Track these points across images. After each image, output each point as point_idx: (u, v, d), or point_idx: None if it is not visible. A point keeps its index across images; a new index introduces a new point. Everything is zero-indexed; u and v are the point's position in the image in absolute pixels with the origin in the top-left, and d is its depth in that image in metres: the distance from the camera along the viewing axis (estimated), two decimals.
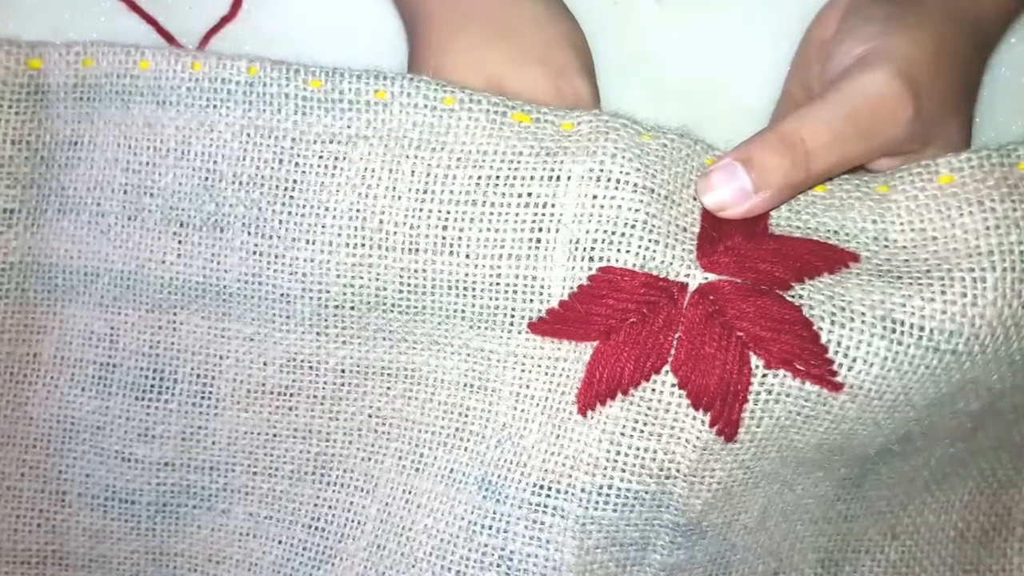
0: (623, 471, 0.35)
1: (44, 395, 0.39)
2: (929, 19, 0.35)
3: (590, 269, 0.34)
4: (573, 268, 0.34)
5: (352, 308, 0.36)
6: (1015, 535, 0.42)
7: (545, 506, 0.35)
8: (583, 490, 0.35)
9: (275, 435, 0.38)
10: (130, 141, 0.37)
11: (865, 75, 0.33)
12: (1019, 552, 0.42)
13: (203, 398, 0.38)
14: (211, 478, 0.39)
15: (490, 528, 0.36)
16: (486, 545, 0.36)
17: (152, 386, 0.38)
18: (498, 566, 0.36)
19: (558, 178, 0.34)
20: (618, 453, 0.35)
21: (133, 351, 0.38)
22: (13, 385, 0.39)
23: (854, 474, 0.39)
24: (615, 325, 0.34)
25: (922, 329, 0.33)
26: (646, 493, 0.35)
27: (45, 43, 0.37)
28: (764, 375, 0.33)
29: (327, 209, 0.35)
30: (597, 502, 0.35)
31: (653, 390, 0.34)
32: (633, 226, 0.34)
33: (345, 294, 0.36)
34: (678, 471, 0.35)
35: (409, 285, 0.35)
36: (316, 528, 0.39)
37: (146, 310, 0.38)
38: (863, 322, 0.33)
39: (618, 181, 0.34)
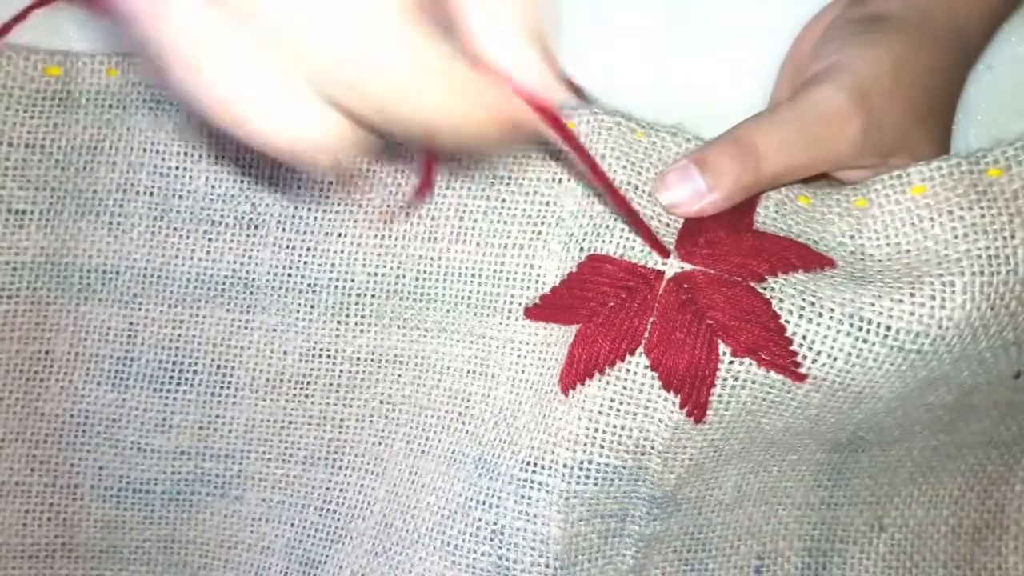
0: (601, 447, 0.37)
1: (57, 391, 0.40)
2: (891, 35, 0.36)
3: (580, 258, 0.38)
4: (566, 258, 0.38)
5: (373, 296, 0.40)
6: (1009, 533, 0.43)
7: (532, 481, 0.37)
8: (565, 465, 0.37)
9: (290, 422, 0.41)
10: (158, 147, 0.39)
11: (815, 88, 0.36)
12: (1014, 551, 0.43)
13: (222, 388, 0.40)
14: (226, 465, 0.41)
15: (484, 504, 0.38)
16: (480, 519, 0.38)
17: (171, 378, 0.40)
18: (491, 540, 0.38)
19: (560, 180, 0.38)
20: (596, 430, 0.37)
21: (152, 345, 0.40)
22: (23, 383, 0.40)
23: (832, 460, 0.41)
24: (596, 308, 0.37)
25: (888, 328, 0.34)
26: (624, 468, 0.37)
27: (66, 52, 0.39)
28: (731, 362, 0.35)
29: (360, 206, 0.39)
30: (578, 476, 0.37)
31: (627, 370, 0.36)
32: (617, 219, 0.37)
33: (368, 282, 0.39)
34: (652, 448, 0.37)
35: (425, 272, 0.39)
36: (328, 510, 0.41)
37: (168, 305, 0.40)
38: (831, 318, 0.34)
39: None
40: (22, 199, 0.39)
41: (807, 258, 0.36)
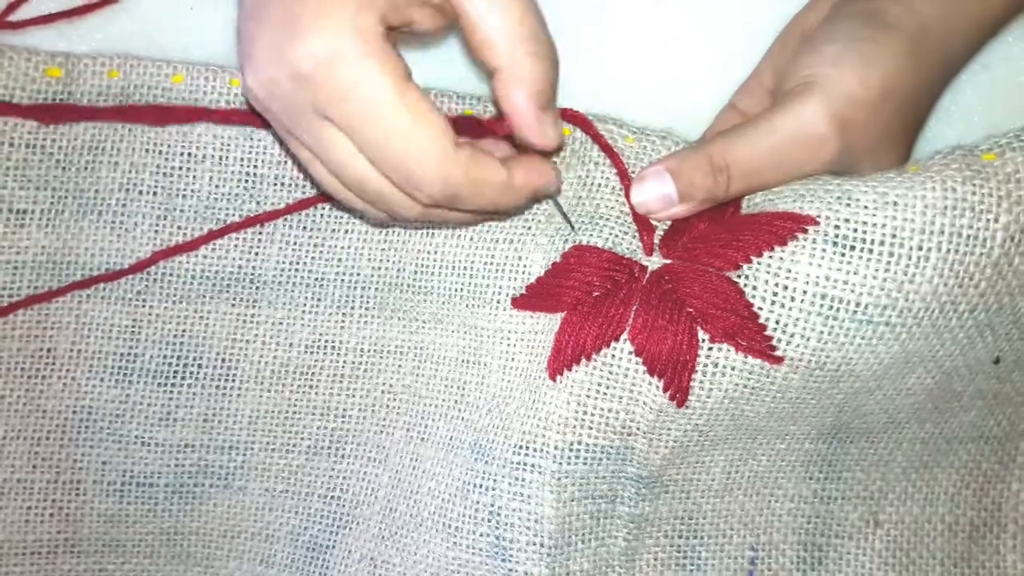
0: (590, 429, 0.38)
1: (59, 388, 0.40)
2: (888, 53, 0.36)
3: (564, 247, 0.40)
4: (551, 249, 0.40)
5: (376, 289, 0.41)
6: (1007, 532, 0.43)
7: (525, 464, 0.39)
8: (556, 447, 0.38)
9: (295, 413, 0.42)
10: (161, 147, 0.40)
11: (796, 108, 0.35)
12: (1012, 549, 0.43)
13: (226, 380, 0.41)
14: (229, 457, 0.42)
15: (481, 487, 0.40)
16: (478, 502, 0.40)
17: (176, 372, 0.41)
18: (488, 521, 0.40)
19: None
20: (585, 413, 0.38)
21: (156, 340, 0.41)
22: (24, 380, 0.40)
23: (821, 450, 0.42)
24: (581, 297, 0.39)
25: (858, 304, 0.35)
26: (611, 448, 0.39)
27: (67, 53, 0.40)
28: (710, 348, 0.37)
29: None
30: (569, 457, 0.38)
31: (613, 356, 0.38)
32: (607, 219, 0.39)
33: (372, 276, 0.41)
34: (638, 429, 0.39)
35: (423, 266, 0.41)
36: (332, 498, 0.43)
37: (173, 301, 0.41)
38: (802, 300, 0.35)
39: (598, 185, 0.40)
40: (23, 199, 0.39)
41: (786, 228, 0.36)
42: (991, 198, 0.34)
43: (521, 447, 0.39)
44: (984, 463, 0.43)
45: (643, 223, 0.39)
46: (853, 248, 0.35)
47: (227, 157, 0.40)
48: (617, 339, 0.38)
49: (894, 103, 0.36)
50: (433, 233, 0.41)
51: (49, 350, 0.40)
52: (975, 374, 0.40)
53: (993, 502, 0.43)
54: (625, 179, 0.40)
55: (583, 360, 0.39)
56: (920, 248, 0.34)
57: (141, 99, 0.40)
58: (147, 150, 0.40)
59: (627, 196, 0.39)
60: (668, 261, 0.39)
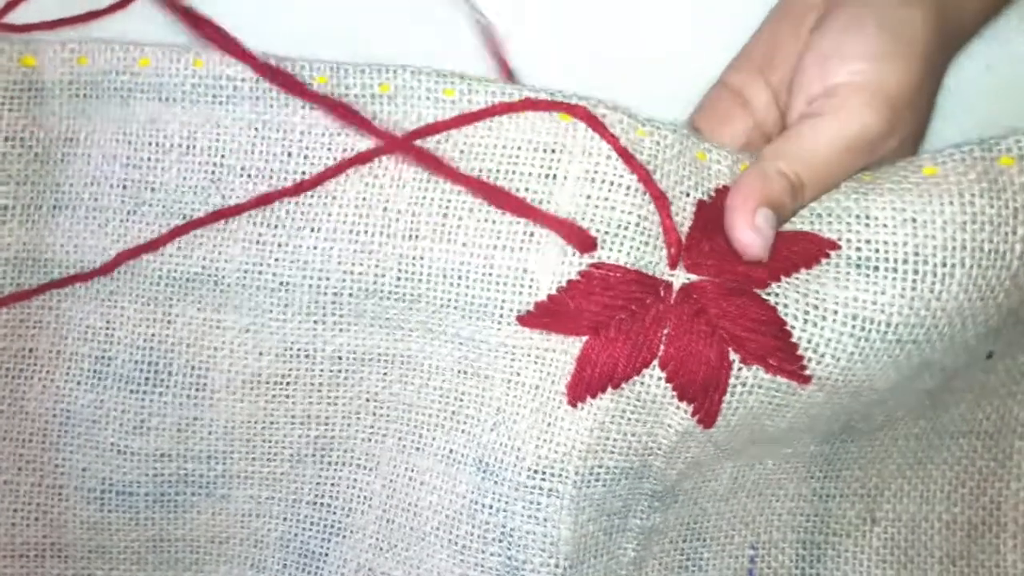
0: (612, 452, 0.36)
1: (40, 389, 0.39)
2: (920, 28, 0.35)
3: (580, 265, 0.35)
4: (564, 263, 0.35)
5: (350, 295, 0.37)
6: (1007, 531, 0.43)
7: (540, 488, 0.36)
8: (576, 473, 0.36)
9: (272, 423, 0.39)
10: (130, 137, 0.37)
11: (851, 114, 0.35)
12: (1012, 549, 0.43)
13: (198, 389, 0.39)
14: (208, 466, 0.39)
15: (490, 507, 0.37)
16: (487, 523, 0.37)
17: (147, 379, 0.39)
18: (500, 541, 0.37)
19: (555, 177, 0.35)
20: (607, 438, 0.36)
21: (128, 344, 0.39)
22: (9, 380, 0.39)
23: (824, 451, 0.41)
24: (604, 321, 0.35)
25: (888, 325, 0.34)
26: (630, 468, 0.37)
27: (39, 40, 0.38)
28: (740, 368, 0.35)
29: (334, 198, 0.36)
30: (589, 481, 0.36)
31: (642, 383, 0.36)
32: (626, 227, 0.35)
33: (344, 281, 0.37)
34: (659, 449, 0.37)
35: (407, 273, 0.36)
36: (321, 504, 0.40)
37: (142, 303, 0.38)
38: (834, 320, 0.34)
39: (612, 183, 0.35)
40: (4, 194, 0.38)
41: (809, 251, 0.35)
42: (1007, 210, 0.34)
43: (536, 472, 0.36)
44: (979, 460, 0.42)
45: (673, 236, 0.35)
46: (877, 269, 0.34)
47: (193, 147, 0.37)
48: (648, 365, 0.35)
49: (929, 85, 0.36)
50: (416, 236, 0.36)
51: (31, 350, 0.39)
52: (971, 369, 0.40)
53: (991, 500, 0.43)
54: (651, 186, 0.35)
55: (610, 388, 0.36)
56: (944, 265, 0.34)
57: (110, 85, 0.37)
58: (116, 140, 0.37)
59: (661, 211, 0.35)
60: (693, 277, 0.35)
